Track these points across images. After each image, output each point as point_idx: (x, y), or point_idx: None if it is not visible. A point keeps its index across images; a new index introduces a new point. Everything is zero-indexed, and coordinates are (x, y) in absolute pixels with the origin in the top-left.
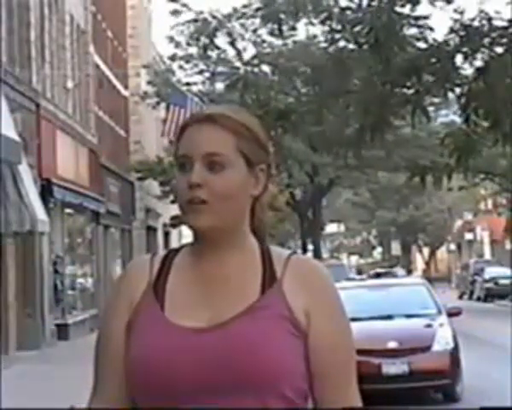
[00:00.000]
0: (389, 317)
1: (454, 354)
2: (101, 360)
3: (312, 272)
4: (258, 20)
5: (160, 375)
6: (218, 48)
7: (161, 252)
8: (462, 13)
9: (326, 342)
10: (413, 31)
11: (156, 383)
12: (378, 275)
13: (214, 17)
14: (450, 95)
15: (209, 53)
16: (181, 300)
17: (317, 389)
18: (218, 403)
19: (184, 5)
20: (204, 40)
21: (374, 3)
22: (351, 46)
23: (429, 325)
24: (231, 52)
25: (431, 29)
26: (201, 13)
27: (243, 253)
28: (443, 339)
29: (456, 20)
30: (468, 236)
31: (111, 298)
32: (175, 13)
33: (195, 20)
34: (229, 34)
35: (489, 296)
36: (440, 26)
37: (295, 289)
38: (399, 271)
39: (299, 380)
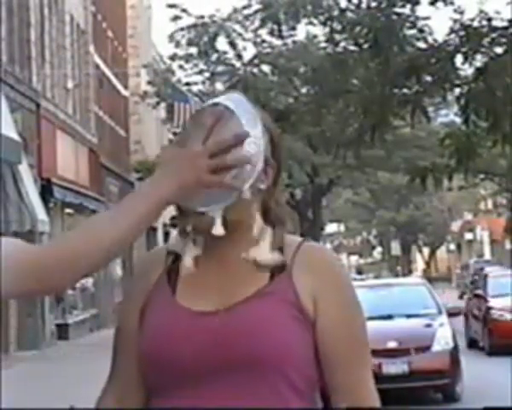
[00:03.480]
0: (389, 317)
1: (454, 354)
2: (117, 349)
3: (321, 259)
4: (258, 21)
5: (168, 356)
6: (218, 51)
7: None
8: (462, 13)
9: (334, 326)
10: (413, 31)
11: (164, 365)
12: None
13: (214, 22)
14: (450, 95)
15: (209, 54)
16: (193, 284)
17: (328, 375)
18: (225, 385)
19: (184, 10)
20: (204, 44)
21: (373, 4)
22: (351, 47)
23: (429, 325)
24: (231, 52)
25: (430, 33)
26: (201, 17)
27: (254, 241)
28: (443, 339)
29: (456, 21)
30: (468, 236)
31: (129, 287)
32: (175, 19)
33: (195, 25)
34: (229, 36)
35: None
36: (440, 26)
37: (304, 275)
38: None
39: (306, 366)
